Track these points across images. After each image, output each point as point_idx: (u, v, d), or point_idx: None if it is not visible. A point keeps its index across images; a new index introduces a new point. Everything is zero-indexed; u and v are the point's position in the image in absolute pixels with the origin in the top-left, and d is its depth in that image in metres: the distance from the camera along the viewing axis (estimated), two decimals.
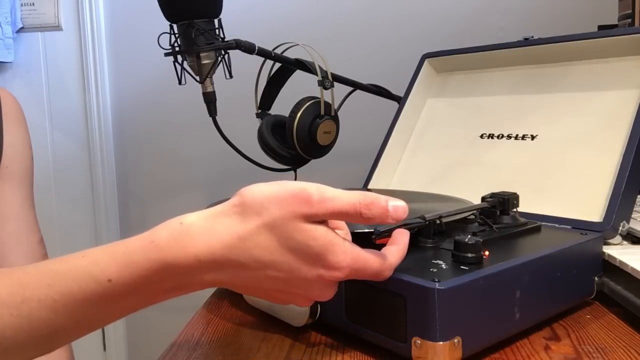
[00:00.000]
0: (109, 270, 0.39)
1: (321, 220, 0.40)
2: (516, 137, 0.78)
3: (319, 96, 0.89)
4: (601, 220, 0.63)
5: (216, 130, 0.89)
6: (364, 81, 1.03)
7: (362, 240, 0.50)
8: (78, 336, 0.41)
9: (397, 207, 0.42)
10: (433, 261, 0.48)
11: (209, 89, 0.87)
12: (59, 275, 0.39)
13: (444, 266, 0.47)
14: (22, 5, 1.44)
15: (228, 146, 0.91)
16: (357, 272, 0.41)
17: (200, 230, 0.39)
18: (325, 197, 0.40)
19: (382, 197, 0.41)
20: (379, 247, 0.49)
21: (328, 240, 0.40)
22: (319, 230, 0.39)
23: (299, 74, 0.95)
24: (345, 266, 0.40)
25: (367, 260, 0.42)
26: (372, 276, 0.42)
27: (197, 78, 0.86)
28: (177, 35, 0.85)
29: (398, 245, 0.45)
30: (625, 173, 0.64)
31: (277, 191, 0.40)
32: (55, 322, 0.39)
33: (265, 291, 0.42)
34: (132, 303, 0.40)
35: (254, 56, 0.87)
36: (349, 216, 0.40)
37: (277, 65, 0.95)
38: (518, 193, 0.61)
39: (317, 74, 0.89)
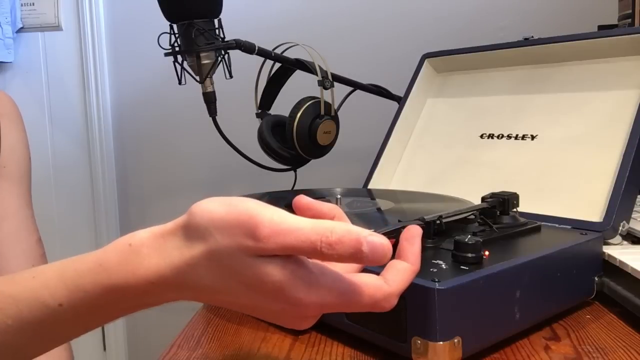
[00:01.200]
0: (58, 295, 0.37)
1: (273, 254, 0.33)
2: (516, 137, 0.78)
3: (319, 96, 0.89)
4: (601, 220, 0.63)
5: (216, 130, 0.89)
6: (364, 81, 1.03)
7: None
8: (47, 350, 0.40)
9: (376, 247, 0.32)
10: (433, 261, 0.48)
11: (209, 89, 0.87)
12: (10, 299, 0.38)
13: (444, 266, 0.47)
14: (22, 5, 1.44)
15: (228, 146, 0.91)
16: (339, 306, 0.34)
17: (150, 251, 0.36)
18: (278, 230, 0.32)
19: (356, 232, 0.32)
20: None
21: (284, 276, 0.33)
22: (271, 267, 0.33)
23: (299, 74, 0.95)
24: (313, 302, 0.34)
25: (353, 291, 0.34)
26: (364, 308, 0.35)
27: (197, 78, 0.86)
28: (177, 35, 0.85)
29: (405, 262, 0.37)
30: (625, 173, 0.64)
31: (224, 214, 0.34)
32: (15, 343, 0.38)
33: (241, 309, 0.37)
34: (90, 321, 0.39)
35: (254, 56, 0.87)
36: (307, 254, 0.33)
37: (277, 65, 0.95)
38: (518, 193, 0.61)
39: (317, 74, 0.89)
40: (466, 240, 0.48)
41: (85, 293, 0.37)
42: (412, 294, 0.43)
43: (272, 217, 0.33)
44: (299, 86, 0.96)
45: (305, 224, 0.33)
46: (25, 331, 0.38)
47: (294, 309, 0.34)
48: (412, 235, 0.39)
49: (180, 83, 0.87)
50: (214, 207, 0.35)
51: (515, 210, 0.60)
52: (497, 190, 0.62)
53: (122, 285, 0.36)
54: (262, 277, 0.33)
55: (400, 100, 0.94)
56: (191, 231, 0.35)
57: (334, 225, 0.33)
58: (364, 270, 0.40)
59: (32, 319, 0.38)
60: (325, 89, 0.89)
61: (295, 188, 0.96)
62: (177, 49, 0.85)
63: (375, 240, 0.32)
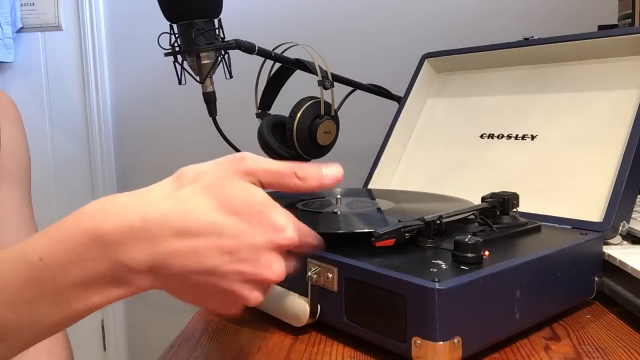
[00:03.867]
0: (40, 248, 0.37)
1: (258, 182, 0.40)
2: (516, 137, 0.78)
3: (319, 96, 0.89)
4: (601, 220, 0.63)
5: (216, 130, 0.89)
6: (364, 81, 1.03)
7: (361, 241, 0.50)
8: (31, 338, 0.39)
9: (329, 171, 0.41)
10: (433, 261, 0.48)
11: (209, 89, 0.87)
12: None
13: (444, 266, 0.47)
14: (22, 5, 1.44)
15: (228, 146, 0.91)
16: (302, 233, 0.41)
17: (133, 197, 0.38)
18: (260, 158, 0.40)
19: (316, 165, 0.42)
20: (380, 248, 0.49)
21: (268, 199, 0.39)
22: (259, 190, 0.39)
23: (299, 74, 0.95)
24: (292, 225, 0.39)
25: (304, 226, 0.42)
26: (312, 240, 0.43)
27: (197, 78, 0.86)
28: (177, 35, 0.85)
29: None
30: (625, 173, 0.64)
31: (213, 161, 0.40)
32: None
33: (203, 286, 0.38)
34: (70, 294, 0.37)
35: (254, 56, 0.87)
36: (284, 175, 0.40)
37: (277, 65, 0.95)
38: (518, 193, 0.61)
39: (317, 74, 0.89)
40: (466, 240, 0.48)
41: (65, 243, 0.37)
42: (412, 294, 0.43)
43: (253, 155, 0.40)
44: (299, 86, 0.96)
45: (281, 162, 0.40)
46: (7, 296, 0.37)
47: (277, 235, 0.38)
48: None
49: (180, 83, 0.87)
50: (203, 164, 0.40)
51: (515, 210, 0.60)
52: (497, 190, 0.62)
53: (103, 229, 0.36)
54: (250, 197, 0.38)
55: (400, 100, 0.94)
56: (182, 177, 0.39)
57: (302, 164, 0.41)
58: None
59: (14, 279, 0.37)
60: (325, 89, 0.89)
61: None
62: (177, 49, 0.85)
63: (330, 169, 0.41)
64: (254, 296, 0.39)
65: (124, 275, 0.37)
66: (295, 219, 0.40)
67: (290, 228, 0.39)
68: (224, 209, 0.37)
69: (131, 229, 0.36)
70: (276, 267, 0.38)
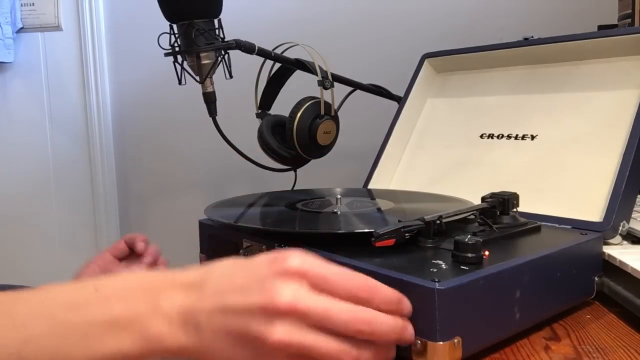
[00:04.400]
0: (99, 282, 0.42)
1: None
2: (516, 137, 0.78)
3: (319, 96, 0.89)
4: (601, 220, 0.63)
5: (216, 131, 0.89)
6: (364, 81, 1.03)
7: (361, 241, 0.50)
8: None
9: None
10: (433, 261, 0.48)
11: (209, 89, 0.87)
12: None
13: (444, 266, 0.47)
14: (22, 5, 1.44)
15: (228, 146, 0.91)
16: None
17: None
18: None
19: None
20: (380, 248, 0.49)
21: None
22: None
23: (299, 74, 0.95)
24: (299, 255, 0.39)
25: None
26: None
27: (197, 78, 0.86)
28: (177, 35, 0.85)
29: None
30: (625, 173, 0.64)
31: None
32: None
33: (227, 335, 0.39)
34: (103, 329, 0.39)
35: (254, 56, 0.87)
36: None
37: (277, 65, 0.95)
38: (518, 193, 0.61)
39: (317, 74, 0.89)
40: (466, 240, 0.48)
41: (120, 278, 0.42)
42: (412, 294, 0.43)
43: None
44: (299, 86, 0.96)
45: None
46: (47, 313, 0.40)
47: (276, 267, 0.39)
48: None
49: (180, 83, 0.87)
50: None
51: (515, 210, 0.60)
52: (497, 190, 0.62)
53: (150, 276, 0.42)
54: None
55: (400, 100, 0.94)
56: None
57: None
58: None
59: (60, 297, 0.41)
60: (325, 89, 0.89)
61: (295, 188, 0.96)
62: (177, 49, 0.85)
63: None
64: (277, 332, 0.36)
65: (159, 321, 0.39)
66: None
67: (294, 255, 0.39)
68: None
69: (174, 279, 0.41)
70: (285, 292, 0.37)
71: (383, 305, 0.40)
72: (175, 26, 0.84)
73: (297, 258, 0.39)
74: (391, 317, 0.40)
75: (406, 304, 0.41)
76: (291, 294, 0.37)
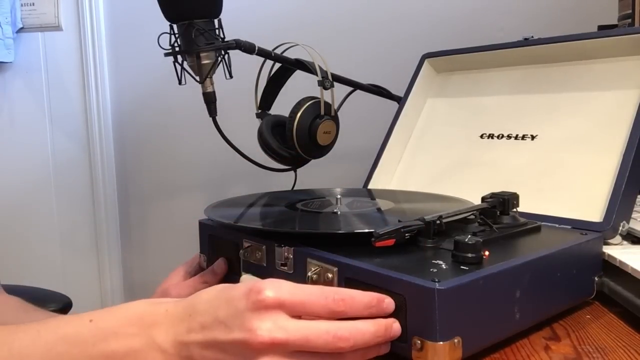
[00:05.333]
0: (94, 314, 0.44)
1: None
2: (516, 137, 0.78)
3: (319, 96, 0.89)
4: (601, 220, 0.63)
5: (216, 131, 0.89)
6: (364, 81, 1.03)
7: (361, 241, 0.50)
8: None
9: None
10: (433, 261, 0.48)
11: (209, 89, 0.87)
12: None
13: (444, 266, 0.47)
14: (22, 5, 1.44)
15: (228, 146, 0.91)
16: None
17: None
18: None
19: None
20: (380, 248, 0.49)
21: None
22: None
23: (299, 74, 0.95)
24: (273, 284, 0.41)
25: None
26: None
27: (197, 78, 0.86)
28: (177, 35, 0.85)
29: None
30: (625, 173, 0.64)
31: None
32: None
33: None
34: None
35: (254, 56, 0.87)
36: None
37: (277, 65, 0.95)
38: (518, 193, 0.61)
39: (317, 74, 0.89)
40: (466, 240, 0.48)
41: (116, 312, 0.44)
42: (412, 293, 0.43)
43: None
44: (299, 86, 0.96)
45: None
46: (41, 344, 0.43)
47: (252, 300, 0.41)
48: None
49: (180, 83, 0.87)
50: None
51: (515, 210, 0.60)
52: (497, 190, 0.62)
53: (145, 311, 0.44)
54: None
55: (400, 100, 0.94)
56: None
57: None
58: None
59: (58, 330, 0.43)
60: (325, 89, 0.89)
61: (295, 188, 0.96)
62: (177, 49, 0.85)
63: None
64: None
65: (156, 355, 0.42)
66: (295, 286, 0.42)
67: (269, 286, 0.41)
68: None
69: (166, 312, 0.43)
70: (263, 327, 0.39)
71: (363, 311, 0.42)
72: (175, 26, 0.84)
73: (272, 289, 0.40)
74: (372, 323, 0.42)
75: (387, 303, 0.43)
76: (268, 328, 0.39)
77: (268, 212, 0.71)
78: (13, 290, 0.70)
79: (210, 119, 0.89)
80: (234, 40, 0.84)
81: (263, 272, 0.58)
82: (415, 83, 0.92)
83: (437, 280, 0.42)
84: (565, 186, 0.70)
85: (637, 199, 0.68)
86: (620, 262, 0.56)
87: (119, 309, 0.44)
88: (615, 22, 1.04)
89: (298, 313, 0.41)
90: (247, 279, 0.58)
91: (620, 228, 0.63)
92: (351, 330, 0.41)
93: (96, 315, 0.43)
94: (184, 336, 0.41)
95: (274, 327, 0.39)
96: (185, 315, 0.42)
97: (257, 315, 0.40)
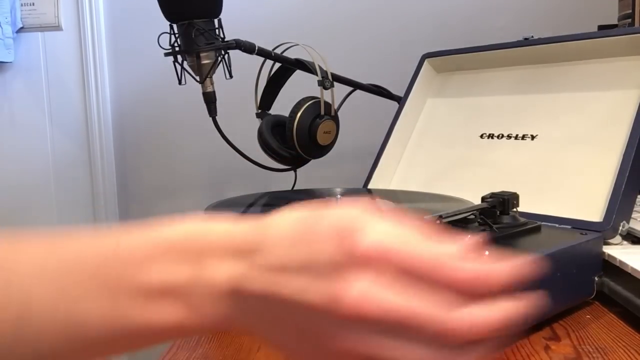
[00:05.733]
0: (122, 235, 0.33)
1: None
2: (516, 137, 0.78)
3: (319, 96, 0.89)
4: (601, 220, 0.63)
5: (216, 130, 0.89)
6: (364, 81, 1.03)
7: None
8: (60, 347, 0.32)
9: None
10: None
11: (209, 89, 0.87)
12: None
13: None
14: (22, 5, 1.44)
15: (228, 146, 0.91)
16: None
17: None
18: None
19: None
20: None
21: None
22: None
23: (299, 74, 0.95)
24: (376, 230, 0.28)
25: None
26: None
27: (197, 78, 0.86)
28: (177, 35, 0.85)
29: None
30: (625, 173, 0.64)
31: None
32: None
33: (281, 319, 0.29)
34: (131, 297, 0.31)
35: (254, 56, 0.87)
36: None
37: (277, 65, 0.95)
38: (518, 193, 0.61)
39: (317, 74, 0.89)
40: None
41: (153, 232, 0.32)
42: None
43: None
44: (299, 86, 0.96)
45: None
46: (55, 275, 0.31)
47: (345, 246, 0.27)
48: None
49: (180, 83, 0.87)
50: None
51: (515, 210, 0.60)
52: (497, 190, 0.62)
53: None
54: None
55: (400, 100, 0.94)
56: None
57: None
58: None
59: (72, 255, 0.32)
60: (325, 89, 0.89)
61: (295, 188, 0.96)
62: (177, 49, 0.85)
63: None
64: (341, 339, 0.27)
65: (205, 295, 0.30)
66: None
67: (369, 229, 0.27)
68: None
69: (226, 235, 0.32)
70: (353, 290, 0.26)
71: (495, 291, 0.29)
72: (175, 26, 0.84)
73: (373, 234, 0.27)
74: (503, 309, 0.29)
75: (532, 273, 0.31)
76: (360, 291, 0.26)
77: (268, 212, 0.71)
78: None
79: (210, 119, 0.89)
80: (234, 40, 0.84)
81: None
82: (415, 83, 0.92)
83: None
84: (565, 186, 0.70)
85: (637, 199, 0.68)
86: (620, 262, 0.56)
87: (156, 232, 0.32)
88: (615, 22, 1.04)
89: (406, 275, 0.27)
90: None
91: (620, 228, 0.63)
92: (471, 323, 0.27)
93: (124, 237, 0.32)
94: (243, 275, 0.29)
95: (367, 292, 0.26)
96: (249, 247, 0.30)
97: (347, 272, 0.27)
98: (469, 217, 0.58)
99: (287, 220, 0.31)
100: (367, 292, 0.26)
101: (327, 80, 0.89)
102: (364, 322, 0.26)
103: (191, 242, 0.31)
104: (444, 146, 0.86)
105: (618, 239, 0.63)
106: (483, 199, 0.60)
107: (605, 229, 0.61)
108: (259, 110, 0.97)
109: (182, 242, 0.31)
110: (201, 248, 0.31)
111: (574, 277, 0.55)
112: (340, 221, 0.28)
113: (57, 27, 1.44)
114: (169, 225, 0.32)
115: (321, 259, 0.28)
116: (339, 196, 0.73)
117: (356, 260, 0.27)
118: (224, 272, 0.30)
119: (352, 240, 0.27)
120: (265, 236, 0.30)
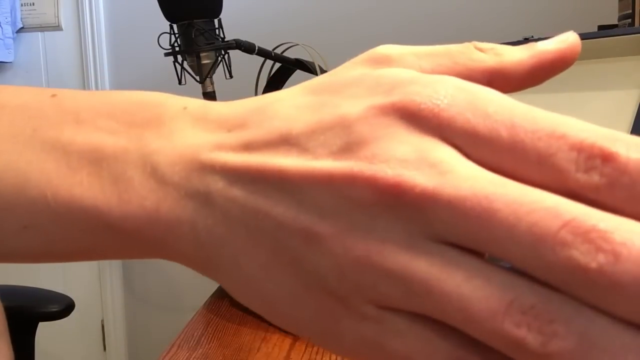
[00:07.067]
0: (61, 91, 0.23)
1: None
2: None
3: None
4: None
5: None
6: None
7: None
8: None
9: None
10: None
11: (209, 89, 0.87)
12: None
13: None
14: (22, 5, 1.44)
15: None
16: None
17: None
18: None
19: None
20: None
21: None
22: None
23: (299, 74, 0.95)
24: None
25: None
26: None
27: (197, 78, 0.86)
28: (177, 35, 0.85)
29: None
30: None
31: None
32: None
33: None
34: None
35: (254, 56, 0.87)
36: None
37: (277, 65, 0.95)
38: None
39: (317, 74, 0.89)
40: None
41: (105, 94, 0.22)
42: None
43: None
44: None
45: None
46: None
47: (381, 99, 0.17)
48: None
49: (180, 83, 0.87)
50: None
51: None
52: None
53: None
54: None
55: None
56: None
57: None
58: None
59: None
60: None
61: None
62: (177, 49, 0.85)
63: None
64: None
65: (141, 162, 0.19)
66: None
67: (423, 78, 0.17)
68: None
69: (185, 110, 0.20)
70: (394, 153, 0.16)
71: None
72: (175, 26, 0.84)
73: (450, 84, 0.17)
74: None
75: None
76: (399, 168, 0.16)
77: None
78: (14, 292, 0.70)
79: None
80: (234, 40, 0.85)
81: None
82: None
83: None
84: None
85: None
86: None
87: (106, 95, 0.22)
88: (615, 22, 1.04)
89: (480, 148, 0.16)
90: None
91: None
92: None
93: (65, 93, 0.22)
94: (208, 152, 0.18)
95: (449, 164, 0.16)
96: (237, 121, 0.19)
97: (385, 136, 0.16)
98: None
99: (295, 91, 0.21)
100: (448, 164, 0.15)
101: None
102: (424, 217, 0.15)
103: (149, 107, 0.20)
104: None
105: None
106: None
107: None
108: None
109: (137, 104, 0.21)
110: (159, 113, 0.20)
111: None
112: (377, 73, 0.19)
113: (57, 27, 1.44)
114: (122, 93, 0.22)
115: (342, 120, 0.17)
116: None
117: (404, 114, 0.16)
118: (183, 139, 0.19)
119: (396, 91, 0.17)
120: (260, 108, 0.20)
